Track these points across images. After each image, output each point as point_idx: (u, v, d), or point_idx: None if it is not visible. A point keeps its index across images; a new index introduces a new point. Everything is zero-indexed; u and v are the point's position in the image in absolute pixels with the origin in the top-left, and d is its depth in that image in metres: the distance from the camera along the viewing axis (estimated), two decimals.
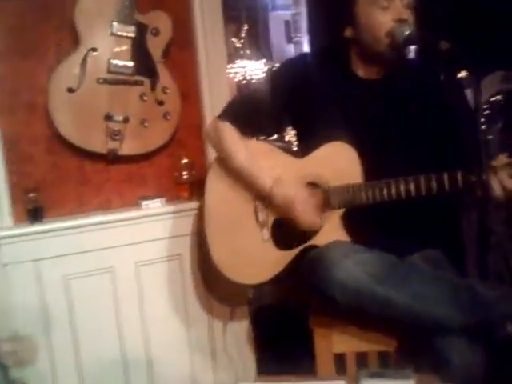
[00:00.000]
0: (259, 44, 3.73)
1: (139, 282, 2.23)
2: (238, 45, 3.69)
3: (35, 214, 2.12)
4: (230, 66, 3.85)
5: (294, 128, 2.04)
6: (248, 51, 3.75)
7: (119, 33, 2.11)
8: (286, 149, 1.99)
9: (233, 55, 3.68)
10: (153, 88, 2.18)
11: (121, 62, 2.12)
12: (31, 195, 2.11)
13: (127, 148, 2.18)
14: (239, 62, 3.79)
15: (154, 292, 2.25)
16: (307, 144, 1.91)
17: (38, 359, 2.10)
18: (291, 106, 1.89)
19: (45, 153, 2.15)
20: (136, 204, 2.23)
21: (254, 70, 3.54)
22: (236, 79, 3.60)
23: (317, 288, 1.72)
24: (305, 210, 1.81)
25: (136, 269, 2.22)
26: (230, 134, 1.89)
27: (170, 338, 2.29)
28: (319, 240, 1.84)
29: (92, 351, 2.18)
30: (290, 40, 3.58)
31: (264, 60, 3.26)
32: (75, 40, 2.08)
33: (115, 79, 2.12)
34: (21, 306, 2.08)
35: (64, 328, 2.14)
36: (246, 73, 3.68)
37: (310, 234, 1.85)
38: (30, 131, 2.13)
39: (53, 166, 2.16)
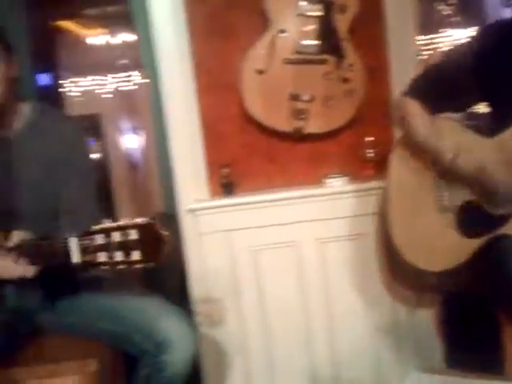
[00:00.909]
0: (470, 9, 3.46)
1: (321, 257, 2.28)
2: (447, 12, 3.48)
3: (228, 188, 2.29)
4: (434, 35, 3.66)
5: (487, 103, 1.89)
6: (457, 18, 3.52)
7: (307, 12, 2.16)
8: (476, 127, 1.87)
9: (440, 23, 3.49)
10: (338, 66, 2.18)
11: (307, 42, 2.17)
12: (224, 171, 2.29)
13: (312, 126, 2.24)
14: (447, 31, 3.58)
15: (334, 268, 2.29)
16: (500, 122, 1.76)
17: (228, 320, 2.30)
18: (488, 76, 1.75)
19: (238, 131, 2.30)
20: (319, 182, 2.28)
21: (463, 39, 3.30)
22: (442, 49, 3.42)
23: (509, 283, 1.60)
24: (500, 171, 1.68)
25: (317, 245, 2.28)
26: (413, 109, 1.82)
27: (352, 316, 2.31)
28: None
29: (277, 317, 2.30)
30: (507, 3, 3.22)
31: (475, 28, 3.02)
32: (265, 23, 2.18)
33: (301, 59, 2.17)
34: (214, 271, 2.29)
35: (251, 293, 2.29)
36: (453, 42, 3.47)
37: (502, 221, 1.72)
38: (226, 111, 2.29)
39: (244, 143, 2.31)
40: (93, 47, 6.83)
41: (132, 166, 7.63)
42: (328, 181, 2.26)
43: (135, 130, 7.61)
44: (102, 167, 7.70)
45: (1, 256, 1.37)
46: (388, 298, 2.30)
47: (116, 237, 1.21)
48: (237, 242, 2.27)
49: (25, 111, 1.64)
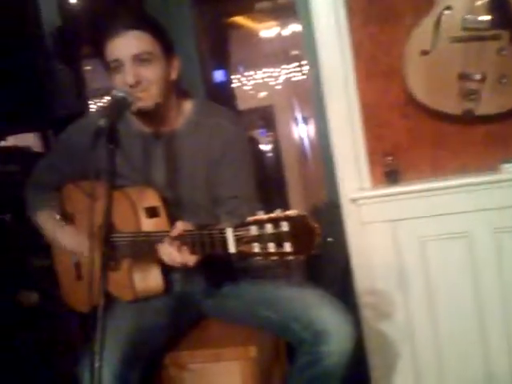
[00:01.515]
0: None
1: (497, 249, 2.11)
2: None
3: (392, 176, 2.21)
4: None
5: None
6: None
7: None
8: None
9: None
10: None
11: (476, 17, 2.00)
12: (388, 158, 2.20)
13: (484, 107, 2.06)
14: None
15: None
16: None
17: (395, 314, 2.22)
18: None
19: (400, 117, 2.20)
20: (495, 167, 2.09)
21: None
22: None
23: None
24: None
25: (493, 236, 2.11)
26: None
27: None
28: None
29: (447, 312, 2.18)
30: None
31: None
32: (428, 2, 2.05)
33: (470, 36, 2.01)
34: (379, 262, 2.22)
35: (419, 287, 2.19)
36: None
37: None
38: (388, 97, 2.21)
39: (408, 130, 2.20)
40: (264, 40, 7.02)
41: (302, 155, 7.74)
42: (505, 166, 2.07)
43: (305, 120, 7.69)
44: (275, 157, 7.92)
45: (166, 244, 1.45)
46: None
47: (268, 228, 1.21)
48: (403, 232, 2.19)
49: (186, 108, 1.70)
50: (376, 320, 2.24)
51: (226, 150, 1.66)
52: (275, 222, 1.21)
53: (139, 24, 1.57)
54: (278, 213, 1.22)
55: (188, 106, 1.71)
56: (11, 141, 2.61)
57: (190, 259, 1.43)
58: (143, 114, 1.62)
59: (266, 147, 7.89)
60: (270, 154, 7.97)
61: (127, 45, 1.54)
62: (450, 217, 2.13)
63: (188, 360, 1.65)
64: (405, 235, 2.19)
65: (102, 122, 1.36)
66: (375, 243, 2.22)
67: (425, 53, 2.06)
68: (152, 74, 1.56)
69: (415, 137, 2.20)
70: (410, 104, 2.15)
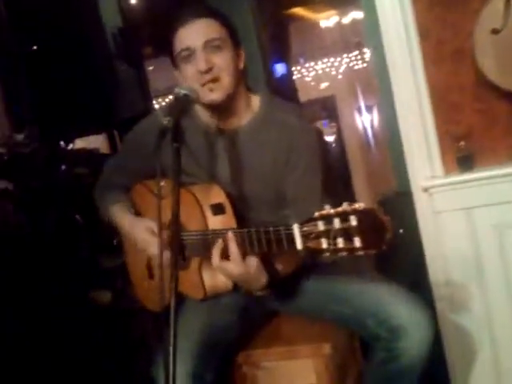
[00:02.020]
0: None
1: None
2: None
3: (465, 162, 2.11)
4: None
5: None
6: None
7: None
8: None
9: None
10: None
11: None
12: (460, 144, 2.11)
13: None
14: None
15: None
16: None
17: (473, 307, 2.12)
18: None
19: (472, 100, 2.10)
20: None
21: None
22: None
23: None
24: None
25: None
26: None
27: None
28: None
29: None
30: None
31: None
32: None
33: None
34: (453, 252, 2.13)
35: (497, 276, 2.08)
36: None
37: None
38: (457, 80, 2.11)
39: (481, 113, 2.09)
40: (324, 30, 6.93)
41: (366, 144, 7.60)
42: None
43: (369, 108, 7.55)
44: (338, 147, 7.83)
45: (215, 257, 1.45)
46: None
47: (336, 223, 1.17)
48: (479, 220, 2.08)
49: (254, 104, 1.67)
50: (452, 313, 2.14)
51: (294, 148, 1.61)
52: (343, 216, 1.17)
53: (208, 12, 1.56)
54: (345, 207, 1.18)
55: (256, 101, 1.67)
56: (79, 143, 2.67)
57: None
58: (213, 108, 1.60)
59: (329, 138, 7.81)
60: (333, 145, 7.89)
61: (198, 32, 1.53)
62: None
63: (262, 358, 1.63)
64: (480, 223, 2.08)
65: (166, 121, 1.35)
66: (449, 233, 2.12)
67: (496, 31, 1.96)
68: (223, 61, 1.55)
69: (488, 120, 2.09)
70: (482, 86, 2.05)
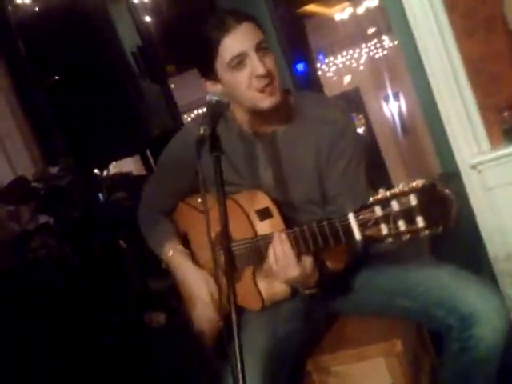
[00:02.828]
0: None
1: None
2: None
3: (511, 133, 2.02)
4: None
5: None
6: None
7: None
8: None
9: None
10: None
11: None
12: (504, 114, 2.02)
13: None
14: None
15: None
16: None
17: None
18: None
19: (509, 67, 2.01)
20: None
21: None
22: None
23: None
24: None
25: None
26: None
27: None
28: None
29: None
30: None
31: None
32: None
33: None
34: (510, 226, 2.04)
35: None
36: None
37: None
38: (492, 49, 2.02)
39: None
40: (340, 23, 6.85)
41: (398, 131, 7.47)
42: None
43: (395, 95, 7.43)
44: (369, 139, 7.71)
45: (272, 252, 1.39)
46: None
47: (394, 205, 1.10)
48: None
49: (290, 102, 1.60)
50: None
51: (335, 142, 1.54)
52: (401, 196, 1.10)
53: (246, 16, 1.48)
54: (401, 187, 1.11)
55: (291, 100, 1.60)
56: (114, 169, 2.65)
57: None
58: (263, 112, 1.52)
59: (359, 130, 7.71)
60: (364, 137, 7.79)
61: (247, 35, 1.45)
62: None
63: (331, 363, 1.56)
64: None
65: (203, 130, 1.30)
66: (503, 207, 2.04)
67: None
68: (273, 62, 1.48)
69: None
70: None
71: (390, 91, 7.40)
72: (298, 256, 1.38)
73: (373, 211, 1.14)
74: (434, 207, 1.08)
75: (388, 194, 1.12)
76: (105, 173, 2.48)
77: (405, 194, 1.10)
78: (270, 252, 1.40)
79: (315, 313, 1.64)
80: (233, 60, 1.45)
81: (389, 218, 1.11)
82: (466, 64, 2.05)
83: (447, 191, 1.10)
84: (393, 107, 7.56)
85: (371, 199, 1.14)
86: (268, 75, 1.45)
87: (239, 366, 1.12)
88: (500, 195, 2.03)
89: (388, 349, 1.51)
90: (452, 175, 2.16)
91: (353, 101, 7.67)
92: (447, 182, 2.24)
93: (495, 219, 2.06)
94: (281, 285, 1.52)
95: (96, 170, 2.46)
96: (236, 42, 1.45)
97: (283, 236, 1.37)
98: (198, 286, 1.64)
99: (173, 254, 1.69)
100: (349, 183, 1.54)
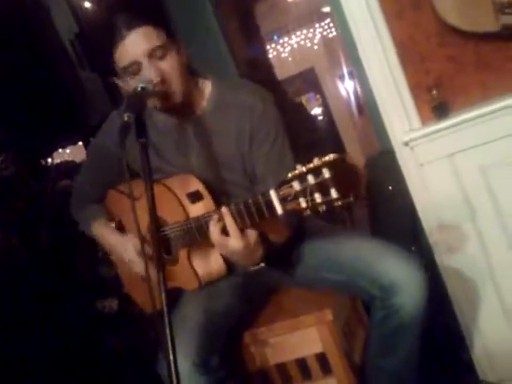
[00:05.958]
0: None
1: None
2: None
3: (440, 110, 2.10)
4: None
5: None
6: None
7: None
8: None
9: None
10: None
11: None
12: (433, 93, 2.10)
13: None
14: None
15: None
16: None
17: (468, 246, 2.13)
18: None
19: (438, 46, 2.08)
20: None
21: None
22: None
23: None
24: None
25: None
26: None
27: None
28: None
29: None
30: None
31: None
32: None
33: None
34: (443, 199, 2.13)
35: (488, 214, 2.09)
36: None
37: None
38: (420, 29, 2.09)
39: (448, 58, 2.08)
40: (292, 4, 6.87)
41: (352, 110, 7.57)
42: None
43: (350, 74, 7.50)
44: (327, 117, 7.80)
45: (212, 228, 1.43)
46: None
47: (310, 179, 1.17)
48: (463, 164, 2.09)
49: (207, 90, 1.65)
50: (451, 257, 2.16)
51: (254, 125, 1.60)
52: (315, 171, 1.17)
53: (138, 20, 1.49)
54: (315, 162, 1.18)
55: (208, 86, 1.65)
56: (59, 157, 2.67)
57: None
58: (170, 108, 1.58)
59: (317, 110, 7.79)
60: (321, 117, 7.87)
61: (138, 43, 1.47)
62: (509, 139, 2.01)
63: (267, 335, 1.65)
64: (464, 167, 2.09)
65: (127, 118, 1.32)
66: (436, 181, 2.13)
67: None
68: (170, 66, 1.51)
69: (457, 64, 2.07)
70: (445, 31, 2.03)
71: (345, 70, 7.48)
72: (242, 230, 1.42)
73: (291, 186, 1.20)
74: (345, 179, 1.16)
75: (304, 169, 1.19)
76: (49, 161, 2.50)
77: (318, 167, 1.17)
78: (212, 225, 1.43)
79: (252, 287, 1.72)
80: (126, 68, 1.50)
81: (306, 192, 1.18)
82: (396, 45, 2.12)
83: (355, 163, 1.17)
84: (348, 86, 7.64)
85: (290, 175, 1.21)
86: (163, 81, 1.48)
87: (169, 343, 1.17)
88: (432, 170, 2.12)
89: (319, 318, 1.60)
90: (390, 152, 2.25)
91: (309, 81, 7.73)
92: (384, 159, 2.33)
93: (428, 193, 2.15)
94: (217, 263, 1.59)
95: (42, 161, 2.48)
96: (125, 51, 1.48)
97: (225, 209, 1.41)
98: (124, 248, 1.71)
99: (97, 226, 1.80)
100: (274, 165, 1.60)
